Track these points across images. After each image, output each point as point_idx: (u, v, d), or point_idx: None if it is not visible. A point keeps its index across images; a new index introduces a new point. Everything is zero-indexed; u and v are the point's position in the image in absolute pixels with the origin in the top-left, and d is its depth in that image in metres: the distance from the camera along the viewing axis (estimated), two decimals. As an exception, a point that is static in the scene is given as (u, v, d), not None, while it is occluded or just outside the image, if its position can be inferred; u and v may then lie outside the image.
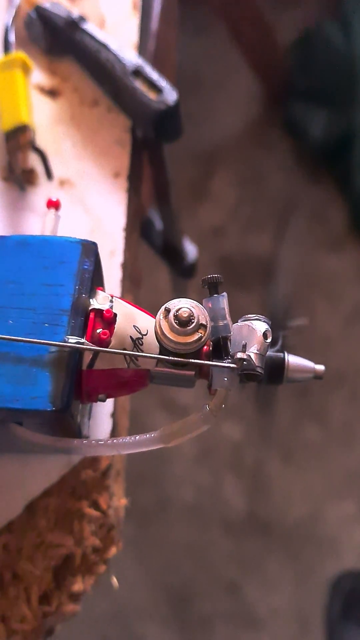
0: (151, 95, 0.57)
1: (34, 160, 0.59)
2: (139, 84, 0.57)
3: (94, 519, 0.52)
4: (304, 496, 1.35)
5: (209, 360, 0.42)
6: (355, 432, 1.40)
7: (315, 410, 1.40)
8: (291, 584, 1.30)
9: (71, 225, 0.55)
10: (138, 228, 0.64)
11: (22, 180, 0.58)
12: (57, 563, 0.51)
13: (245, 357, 0.40)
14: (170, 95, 0.57)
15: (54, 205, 0.50)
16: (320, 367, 0.45)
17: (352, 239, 1.53)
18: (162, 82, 0.57)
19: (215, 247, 1.48)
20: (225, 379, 0.41)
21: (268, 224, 1.52)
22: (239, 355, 0.40)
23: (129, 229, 0.60)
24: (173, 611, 1.28)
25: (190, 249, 0.77)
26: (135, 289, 0.63)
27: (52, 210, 0.50)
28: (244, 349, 0.40)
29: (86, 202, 0.59)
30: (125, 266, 0.58)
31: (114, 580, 0.54)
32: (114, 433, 0.54)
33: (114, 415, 0.54)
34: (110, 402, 0.54)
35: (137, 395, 0.59)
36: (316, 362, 0.45)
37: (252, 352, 0.40)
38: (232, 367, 0.40)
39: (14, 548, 0.51)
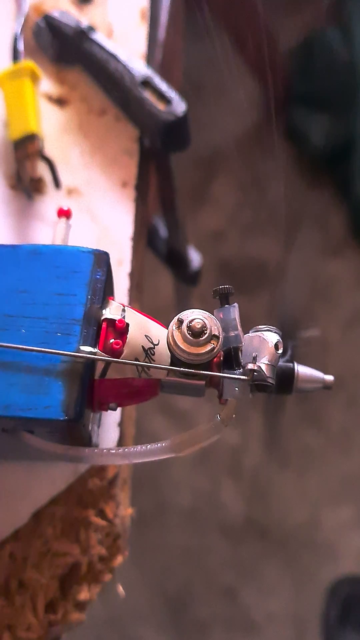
0: (160, 105, 0.57)
1: (42, 169, 0.59)
2: (147, 95, 0.58)
3: (100, 528, 0.52)
4: (302, 501, 1.36)
5: (220, 371, 0.42)
6: (354, 438, 1.40)
7: (314, 415, 1.40)
8: (288, 589, 1.30)
9: (79, 234, 0.55)
10: (145, 237, 0.64)
11: (30, 188, 0.58)
12: (63, 571, 0.51)
13: (256, 368, 0.40)
14: (179, 106, 0.57)
15: (65, 214, 0.50)
16: (330, 378, 0.45)
17: (351, 245, 1.53)
18: (171, 93, 0.57)
19: (215, 252, 1.49)
20: (236, 389, 0.41)
21: (268, 229, 1.52)
22: (250, 366, 0.40)
23: (136, 238, 0.60)
24: (170, 615, 1.28)
25: (195, 257, 0.77)
26: (138, 294, 0.63)
27: (63, 219, 0.50)
28: (254, 360, 0.41)
29: (94, 211, 0.59)
30: (132, 275, 0.58)
31: (120, 589, 0.54)
32: (120, 441, 0.54)
33: (121, 424, 0.54)
34: (117, 410, 0.54)
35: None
36: (319, 369, 0.45)
37: (263, 362, 0.41)
38: (243, 379, 0.41)
39: (20, 556, 0.51)
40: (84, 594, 0.51)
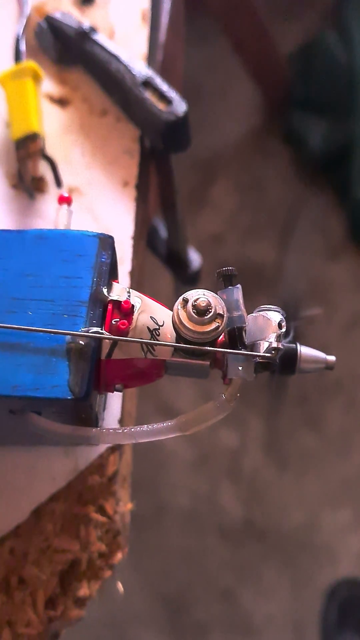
0: (161, 106, 0.58)
1: (43, 169, 0.59)
2: (148, 95, 0.58)
3: (100, 525, 0.52)
4: (300, 504, 1.36)
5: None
6: (352, 440, 1.40)
7: (312, 417, 1.40)
8: (287, 592, 1.30)
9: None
10: (145, 236, 0.65)
11: (32, 188, 0.59)
12: (63, 568, 0.52)
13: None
14: (180, 106, 0.57)
15: (65, 200, 0.51)
16: (332, 358, 0.45)
17: (350, 248, 1.54)
18: (172, 94, 0.58)
19: (214, 255, 1.49)
20: (240, 368, 0.42)
21: (267, 232, 1.53)
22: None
23: (137, 237, 0.60)
24: (168, 617, 1.28)
25: (195, 258, 0.78)
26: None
27: (65, 206, 0.51)
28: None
29: (95, 210, 0.60)
30: (132, 274, 0.58)
31: (120, 586, 0.54)
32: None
33: (121, 421, 0.54)
34: (117, 408, 0.54)
35: (134, 400, 0.60)
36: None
37: (269, 341, 0.41)
38: (269, 356, 0.41)
39: (20, 553, 0.51)
40: (83, 591, 0.52)
